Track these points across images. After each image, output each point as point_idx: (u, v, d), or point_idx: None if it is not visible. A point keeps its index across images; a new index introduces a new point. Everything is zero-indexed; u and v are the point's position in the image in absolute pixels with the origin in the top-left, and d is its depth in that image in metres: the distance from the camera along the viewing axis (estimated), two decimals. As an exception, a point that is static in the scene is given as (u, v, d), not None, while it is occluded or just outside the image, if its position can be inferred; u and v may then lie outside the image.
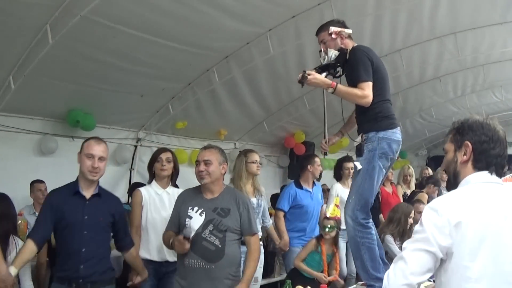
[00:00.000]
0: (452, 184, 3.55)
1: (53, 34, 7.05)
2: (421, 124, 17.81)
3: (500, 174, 3.45)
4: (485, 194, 3.32)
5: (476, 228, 3.14)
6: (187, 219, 5.63)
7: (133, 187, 8.33)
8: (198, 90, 10.26)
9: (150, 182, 7.02)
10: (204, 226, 5.59)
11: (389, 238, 8.61)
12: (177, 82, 10.03)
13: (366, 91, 5.46)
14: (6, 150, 8.66)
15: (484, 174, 3.39)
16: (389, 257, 8.27)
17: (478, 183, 3.36)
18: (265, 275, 9.67)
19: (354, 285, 6.29)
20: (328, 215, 8.07)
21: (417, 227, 3.28)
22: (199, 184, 5.88)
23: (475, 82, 14.59)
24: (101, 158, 5.57)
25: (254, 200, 7.90)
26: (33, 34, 7.20)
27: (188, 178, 11.10)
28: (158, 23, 7.78)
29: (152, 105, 10.52)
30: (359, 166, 5.66)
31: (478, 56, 12.51)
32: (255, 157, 8.08)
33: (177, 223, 5.74)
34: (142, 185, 7.67)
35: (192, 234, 5.48)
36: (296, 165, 13.46)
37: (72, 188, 5.62)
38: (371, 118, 5.63)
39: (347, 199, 5.88)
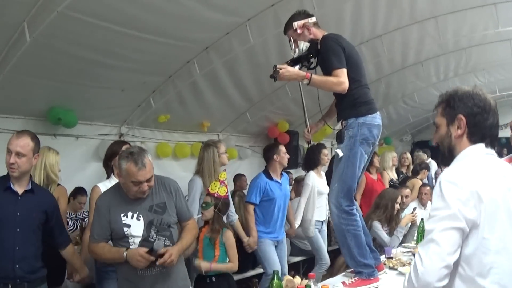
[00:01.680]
0: (447, 158, 3.49)
1: (30, 31, 6.95)
2: (405, 109, 17.87)
3: (494, 145, 3.43)
4: (489, 166, 3.30)
5: (491, 199, 3.11)
6: (126, 229, 5.17)
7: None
8: (179, 82, 10.20)
9: (108, 177, 6.78)
10: (147, 229, 5.21)
11: (377, 224, 8.65)
12: (157, 76, 9.96)
13: (341, 78, 5.46)
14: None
15: (481, 146, 3.37)
16: (377, 243, 8.31)
17: (478, 156, 3.34)
18: (242, 270, 9.60)
19: (343, 273, 6.25)
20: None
21: (438, 203, 3.16)
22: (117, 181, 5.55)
23: (457, 66, 14.63)
24: (18, 154, 5.34)
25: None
26: (11, 32, 7.09)
27: (172, 171, 11.16)
28: (136, 16, 7.70)
29: (134, 100, 10.46)
30: (340, 154, 5.65)
31: (459, 39, 12.56)
32: (224, 147, 8.08)
33: (107, 232, 5.25)
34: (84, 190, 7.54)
35: (161, 247, 5.10)
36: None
37: (2, 183, 5.42)
38: (349, 104, 5.63)
39: (330, 186, 5.85)
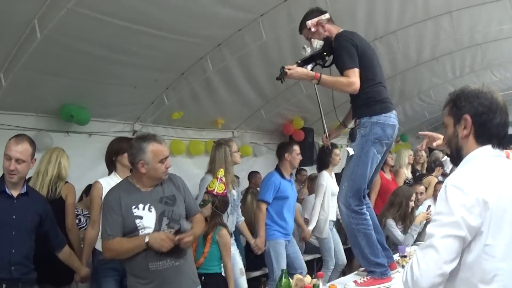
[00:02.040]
0: (456, 158, 3.43)
1: (41, 28, 6.94)
2: (421, 106, 17.71)
3: (503, 144, 3.35)
4: (496, 169, 3.21)
5: (498, 205, 3.05)
6: (138, 221, 5.17)
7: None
8: (192, 79, 10.16)
9: (110, 173, 6.76)
10: (159, 221, 5.22)
11: (391, 222, 8.58)
12: (170, 72, 9.92)
13: (352, 79, 5.40)
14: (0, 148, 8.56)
15: (488, 148, 3.28)
16: (391, 241, 8.25)
17: (485, 158, 3.25)
18: (252, 268, 9.60)
19: (356, 272, 6.19)
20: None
21: (442, 208, 3.12)
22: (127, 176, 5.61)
23: (473, 62, 14.46)
24: (18, 160, 5.40)
25: (234, 192, 7.92)
26: (22, 30, 7.08)
27: (186, 169, 11.13)
28: (148, 13, 7.66)
29: (147, 97, 10.43)
30: (351, 152, 5.59)
31: (474, 35, 12.44)
32: (236, 145, 8.02)
33: (120, 227, 5.18)
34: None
35: (189, 228, 5.27)
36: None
37: None
38: (362, 103, 5.58)
39: (340, 185, 5.80)
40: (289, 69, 5.46)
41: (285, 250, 8.70)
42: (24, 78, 7.84)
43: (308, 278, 5.35)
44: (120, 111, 10.42)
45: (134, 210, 5.18)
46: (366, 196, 5.90)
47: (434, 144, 4.96)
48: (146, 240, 5.00)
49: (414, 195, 8.93)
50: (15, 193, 5.51)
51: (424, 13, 10.86)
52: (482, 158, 3.25)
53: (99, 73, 8.75)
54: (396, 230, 8.55)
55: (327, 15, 5.85)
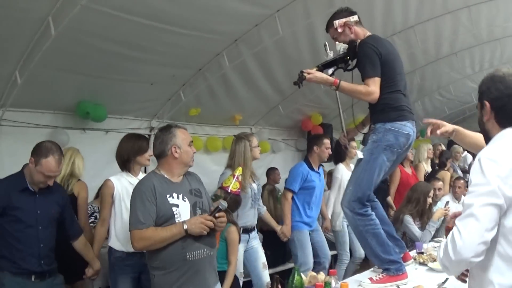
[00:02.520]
0: (485, 139, 3.57)
1: (55, 25, 6.93)
2: (440, 101, 17.63)
3: None
4: None
5: None
6: (174, 208, 5.17)
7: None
8: (209, 75, 10.13)
9: (124, 171, 6.68)
10: (193, 210, 5.27)
11: (408, 219, 8.53)
12: (187, 69, 9.90)
13: (371, 88, 5.38)
14: (17, 145, 8.49)
15: (510, 130, 3.37)
16: (408, 238, 8.19)
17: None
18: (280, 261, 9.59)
19: (372, 269, 6.14)
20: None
21: (477, 179, 3.18)
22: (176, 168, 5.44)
23: (492, 57, 14.35)
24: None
25: (254, 186, 7.94)
26: (36, 27, 7.09)
27: (204, 165, 11.12)
28: (163, 9, 7.64)
29: (163, 93, 10.43)
30: (360, 155, 5.56)
31: (493, 29, 12.35)
32: (256, 140, 8.02)
33: (154, 216, 5.12)
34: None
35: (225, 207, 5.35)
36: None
37: (19, 184, 5.62)
38: (378, 108, 5.53)
39: (345, 188, 5.76)
40: (308, 73, 5.43)
41: (309, 239, 8.90)
42: (39, 75, 7.84)
43: (322, 275, 5.32)
44: (137, 107, 10.43)
45: (169, 199, 5.19)
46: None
47: (439, 132, 4.89)
48: (185, 227, 5.03)
49: (432, 191, 8.86)
50: (36, 189, 5.68)
51: (443, 7, 10.80)
52: (508, 137, 3.33)
53: (115, 69, 8.75)
54: (413, 226, 8.49)
55: (355, 17, 5.80)
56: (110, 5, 7.13)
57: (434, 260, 6.40)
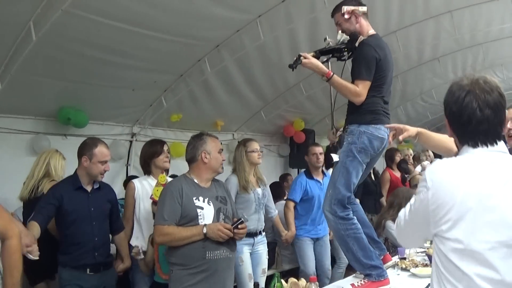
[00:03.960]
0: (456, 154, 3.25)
1: (36, 30, 6.91)
2: (423, 107, 17.64)
3: (487, 141, 3.05)
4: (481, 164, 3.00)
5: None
6: (199, 210, 5.53)
7: (128, 180, 8.27)
8: (191, 81, 10.15)
9: (146, 174, 7.09)
10: (216, 215, 5.62)
11: (390, 224, 8.53)
12: (168, 74, 9.90)
13: (360, 89, 5.34)
14: (-1, 151, 8.55)
15: (470, 147, 3.05)
16: (390, 243, 8.20)
17: (471, 154, 3.04)
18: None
19: (354, 274, 6.13)
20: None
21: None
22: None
23: (475, 62, 14.32)
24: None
25: (259, 190, 7.97)
26: (17, 32, 7.06)
27: (186, 171, 11.07)
28: (144, 14, 7.62)
29: (145, 99, 10.41)
30: (335, 158, 5.55)
31: (476, 34, 12.35)
32: (255, 145, 8.04)
33: (178, 215, 5.48)
34: (135, 177, 7.87)
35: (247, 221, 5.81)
36: (297, 154, 13.46)
37: (74, 183, 6.18)
38: (355, 109, 5.49)
39: (326, 192, 5.74)
40: (305, 58, 5.42)
41: (310, 247, 9.23)
42: (21, 80, 7.81)
43: (303, 282, 5.33)
44: (118, 113, 10.41)
45: (195, 201, 5.57)
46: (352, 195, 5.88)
47: (401, 137, 4.89)
48: (205, 230, 5.40)
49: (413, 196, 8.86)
50: (88, 188, 6.25)
51: (424, 12, 10.81)
52: (466, 154, 3.08)
53: (97, 75, 8.73)
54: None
55: (364, 8, 5.74)
56: (92, 11, 7.11)
57: (416, 266, 6.39)
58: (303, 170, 9.60)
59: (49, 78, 8.28)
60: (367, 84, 5.37)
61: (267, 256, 8.23)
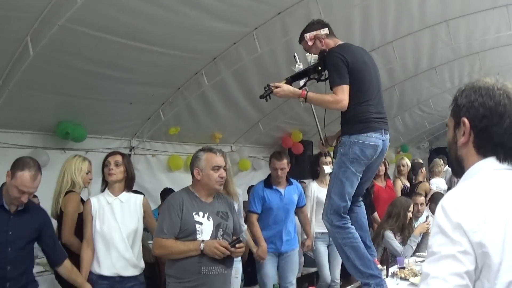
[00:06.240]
0: (457, 169, 2.65)
1: (33, 46, 6.96)
2: (421, 116, 17.68)
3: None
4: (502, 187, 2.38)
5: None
6: (198, 225, 5.46)
7: (165, 193, 8.20)
8: (188, 94, 10.19)
9: (103, 190, 6.45)
10: (215, 231, 5.54)
11: (389, 234, 8.50)
12: (166, 88, 9.95)
13: (339, 96, 5.30)
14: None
15: (492, 161, 2.47)
16: (389, 253, 8.18)
17: (491, 172, 2.45)
18: (251, 283, 9.47)
19: (352, 285, 6.14)
20: None
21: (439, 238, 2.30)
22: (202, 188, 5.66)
23: (471, 71, 14.33)
24: (31, 194, 5.49)
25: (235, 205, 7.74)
26: (15, 47, 7.11)
27: (184, 184, 11.01)
28: (141, 28, 7.68)
29: (143, 112, 10.45)
30: (328, 170, 5.60)
31: (472, 43, 12.37)
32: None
33: (177, 229, 5.41)
34: (172, 191, 7.97)
35: (245, 241, 5.71)
36: (295, 165, 13.40)
37: None
38: (345, 121, 5.50)
39: (324, 202, 5.74)
40: (276, 87, 5.45)
41: (272, 262, 8.55)
42: (19, 95, 7.85)
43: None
44: (116, 127, 10.43)
45: (195, 216, 5.49)
46: (360, 198, 5.99)
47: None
48: (202, 247, 5.32)
49: (412, 206, 8.85)
50: (12, 209, 5.40)
51: (420, 22, 10.84)
52: (486, 173, 2.46)
53: (94, 89, 8.76)
54: (394, 241, 8.48)
55: (326, 30, 5.77)
56: (88, 25, 7.15)
57: (415, 275, 6.40)
58: (262, 180, 8.88)
59: (47, 93, 8.32)
60: (345, 88, 5.35)
61: (237, 276, 7.84)
